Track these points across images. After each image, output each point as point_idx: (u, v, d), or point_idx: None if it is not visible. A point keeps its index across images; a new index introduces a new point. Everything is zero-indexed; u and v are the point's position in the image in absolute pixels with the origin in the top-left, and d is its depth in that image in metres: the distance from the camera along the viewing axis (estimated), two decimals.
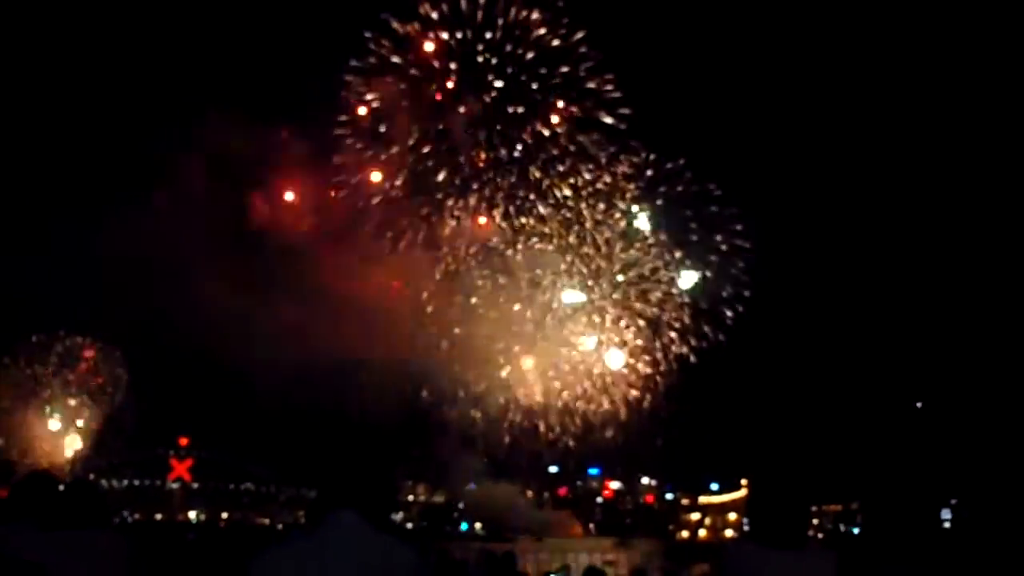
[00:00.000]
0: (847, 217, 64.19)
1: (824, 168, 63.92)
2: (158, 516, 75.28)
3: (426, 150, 58.51)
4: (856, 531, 71.90)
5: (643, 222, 59.79)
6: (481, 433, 61.96)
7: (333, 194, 57.82)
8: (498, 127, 58.59)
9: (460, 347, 58.81)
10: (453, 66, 57.74)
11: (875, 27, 60.90)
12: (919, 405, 67.33)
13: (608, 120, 57.74)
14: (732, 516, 76.76)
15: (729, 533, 72.55)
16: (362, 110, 57.01)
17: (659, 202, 59.57)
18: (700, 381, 59.51)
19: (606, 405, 60.68)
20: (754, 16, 61.82)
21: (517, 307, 59.23)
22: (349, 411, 55.51)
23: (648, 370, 60.33)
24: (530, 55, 57.27)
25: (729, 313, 59.13)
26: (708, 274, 59.33)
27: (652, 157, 58.71)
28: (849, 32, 61.01)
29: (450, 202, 59.18)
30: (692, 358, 59.33)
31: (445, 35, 57.09)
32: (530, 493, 76.74)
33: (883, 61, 61.98)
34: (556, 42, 56.87)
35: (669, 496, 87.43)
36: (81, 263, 53.63)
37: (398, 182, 58.56)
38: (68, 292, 57.44)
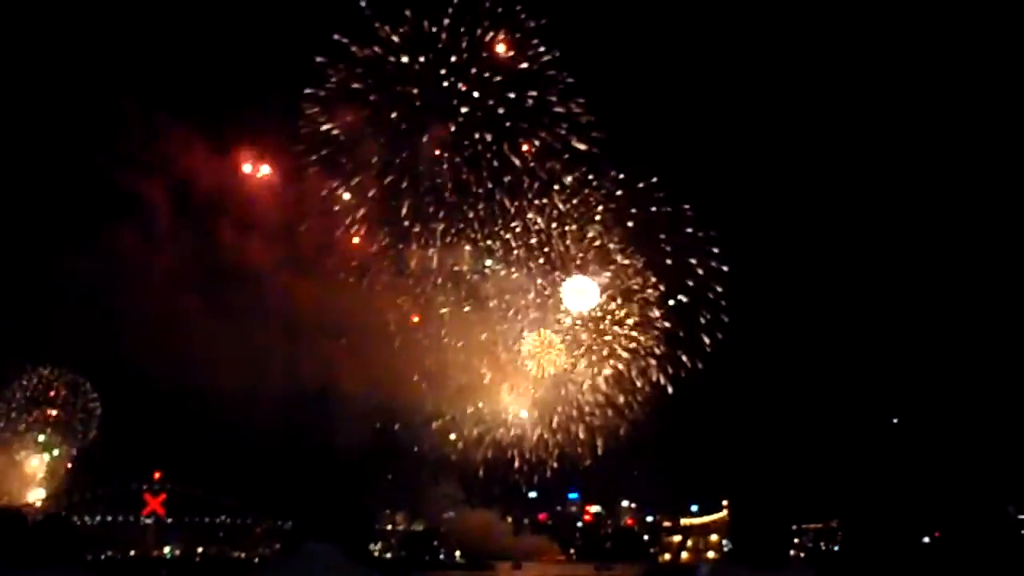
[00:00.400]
0: (821, 239, 64.84)
1: (798, 191, 64.50)
2: (132, 552, 73.94)
3: (390, 179, 58.38)
4: (836, 548, 72.01)
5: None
6: (457, 461, 61.77)
7: (299, 225, 57.52)
8: (465, 154, 58.54)
9: (432, 375, 58.54)
10: (416, 91, 57.36)
11: (845, 51, 61.73)
12: (895, 421, 67.76)
13: (580, 146, 57.86)
14: (714, 537, 76.59)
15: (711, 555, 72.30)
16: (322, 137, 56.49)
17: (630, 224, 59.57)
18: (678, 404, 59.73)
19: (582, 434, 60.70)
20: (727, 36, 62.57)
21: (485, 336, 59.08)
22: (322, 442, 55.20)
23: (624, 397, 60.42)
24: (497, 79, 57.07)
25: (707, 340, 59.14)
26: (683, 299, 59.45)
27: (623, 177, 58.75)
28: (821, 56, 61.67)
29: (416, 230, 59.04)
30: (669, 388, 59.45)
31: (406, 59, 56.59)
32: (509, 519, 76.43)
33: (853, 86, 62.90)
34: (524, 65, 56.75)
35: (649, 519, 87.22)
36: (45, 296, 53.19)
37: (360, 213, 58.25)
38: (33, 326, 56.83)
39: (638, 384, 59.92)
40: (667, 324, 59.53)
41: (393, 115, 57.25)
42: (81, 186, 55.33)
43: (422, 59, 56.57)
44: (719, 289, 58.80)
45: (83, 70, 54.16)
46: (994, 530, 59.48)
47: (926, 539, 65.06)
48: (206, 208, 55.62)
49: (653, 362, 59.75)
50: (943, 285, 60.29)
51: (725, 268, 58.58)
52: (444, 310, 58.78)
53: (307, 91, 55.44)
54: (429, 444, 60.71)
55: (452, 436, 60.40)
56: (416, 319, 58.84)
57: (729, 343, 58.80)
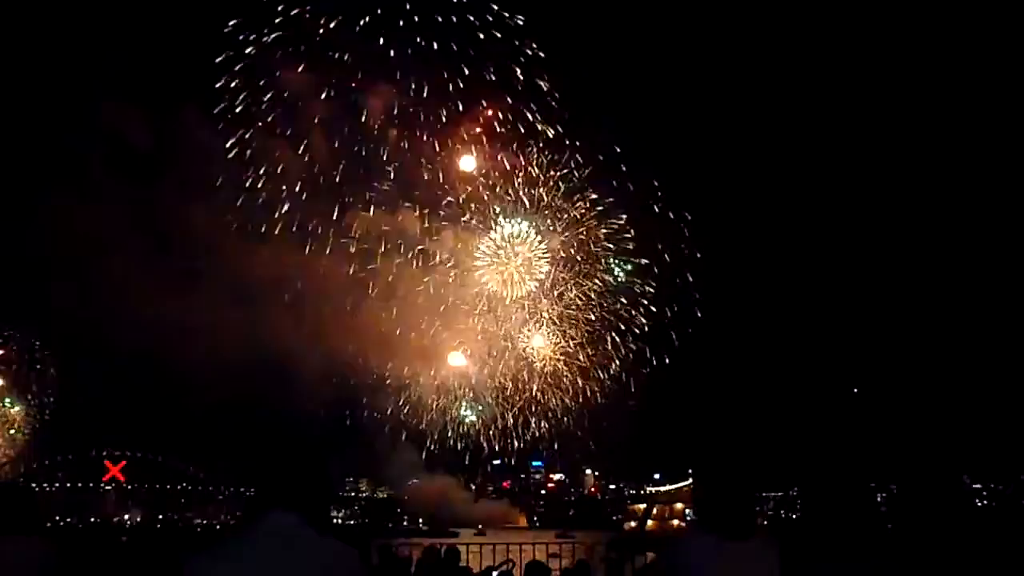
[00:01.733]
0: (782, 212, 65.38)
1: (760, 167, 64.90)
2: (92, 519, 73.47)
3: (335, 142, 57.50)
4: (795, 517, 73.22)
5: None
6: (416, 427, 61.81)
7: (247, 185, 56.58)
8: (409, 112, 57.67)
9: (386, 339, 58.15)
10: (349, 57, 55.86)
11: (820, 33, 61.85)
12: (856, 391, 68.80)
13: (548, 130, 57.35)
14: (678, 506, 77.53)
15: (675, 523, 73.18)
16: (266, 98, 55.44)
17: (593, 196, 59.42)
18: (642, 373, 60.13)
19: (548, 398, 61.01)
20: (700, 17, 62.42)
21: (442, 292, 58.66)
22: (280, 408, 55.02)
23: (587, 366, 60.72)
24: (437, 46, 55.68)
25: (673, 335, 59.26)
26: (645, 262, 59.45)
27: (577, 145, 58.37)
28: (791, 38, 61.78)
29: (364, 194, 58.23)
30: (631, 357, 59.77)
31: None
32: (472, 487, 76.84)
33: (833, 83, 63.15)
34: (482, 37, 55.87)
35: (612, 487, 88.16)
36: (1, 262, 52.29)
37: (303, 175, 57.26)
38: None
39: (600, 354, 60.30)
40: (624, 298, 59.68)
41: (334, 79, 56.17)
42: (24, 150, 54.30)
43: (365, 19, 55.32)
44: (689, 279, 58.89)
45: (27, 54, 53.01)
46: (948, 498, 60.82)
47: (881, 506, 66.34)
48: (149, 170, 54.67)
49: (616, 336, 60.05)
50: (902, 255, 61.22)
51: (697, 254, 58.35)
52: (391, 273, 58.21)
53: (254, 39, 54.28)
54: (387, 409, 60.67)
55: (409, 400, 60.44)
56: (371, 285, 58.11)
57: (693, 314, 59.25)
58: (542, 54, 55.77)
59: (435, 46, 55.50)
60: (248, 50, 54.09)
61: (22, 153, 54.36)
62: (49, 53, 54.12)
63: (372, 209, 58.05)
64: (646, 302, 59.44)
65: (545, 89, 56.47)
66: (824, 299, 64.28)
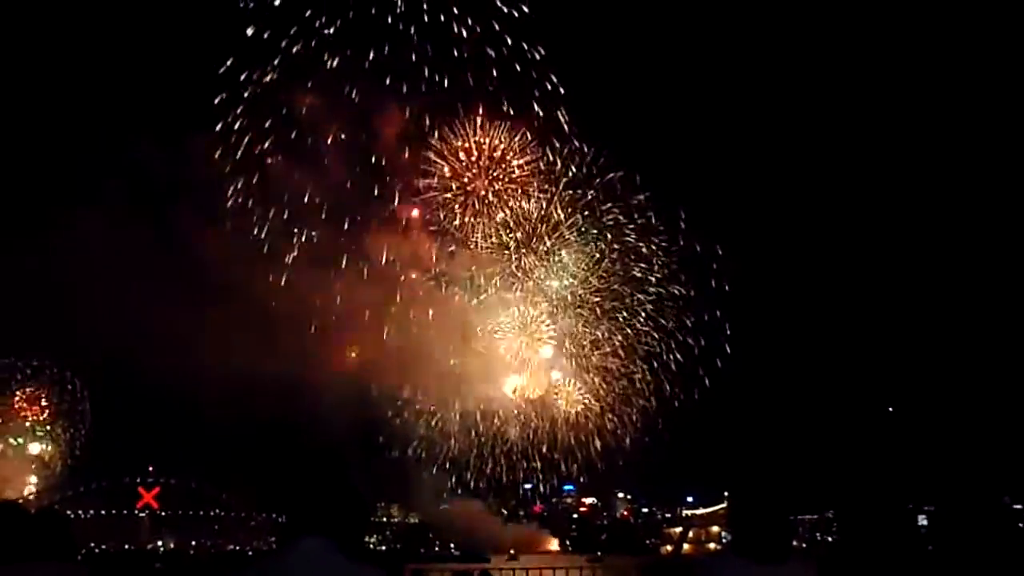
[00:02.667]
0: (817, 231, 65.03)
1: (793, 182, 64.56)
2: (127, 545, 73.89)
3: (351, 166, 57.16)
4: (831, 540, 72.13)
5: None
6: (446, 452, 61.64)
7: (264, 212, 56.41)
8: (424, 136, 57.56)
9: (410, 362, 57.90)
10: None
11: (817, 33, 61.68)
12: (891, 410, 67.80)
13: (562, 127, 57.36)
14: (715, 529, 76.67)
15: (712, 546, 72.35)
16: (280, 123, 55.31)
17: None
18: (675, 397, 59.69)
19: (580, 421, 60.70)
20: (706, 25, 62.42)
21: (462, 321, 58.55)
22: (312, 433, 55.06)
23: (620, 390, 60.37)
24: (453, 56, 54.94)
25: (702, 339, 58.74)
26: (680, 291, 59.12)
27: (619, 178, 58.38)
28: (795, 40, 61.59)
29: (379, 215, 58.12)
30: (666, 385, 59.24)
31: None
32: (504, 511, 76.41)
33: (831, 70, 62.88)
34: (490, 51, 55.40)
35: (645, 511, 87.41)
36: (25, 291, 52.85)
37: (318, 200, 57.19)
38: (18, 320, 56.63)
39: (637, 375, 59.96)
40: (660, 319, 59.38)
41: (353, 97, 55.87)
42: (42, 178, 55.05)
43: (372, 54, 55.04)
44: (717, 284, 58.46)
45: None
46: (989, 519, 59.65)
47: (922, 527, 65.25)
48: (166, 198, 55.05)
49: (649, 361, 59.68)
50: (938, 275, 60.51)
51: (725, 284, 57.93)
52: (416, 296, 58.10)
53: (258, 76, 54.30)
54: (413, 433, 60.60)
55: (436, 424, 60.34)
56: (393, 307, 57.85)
57: (726, 336, 58.79)
58: (562, 90, 55.97)
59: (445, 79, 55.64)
60: (257, 76, 54.08)
61: (44, 183, 55.10)
62: (63, 81, 54.73)
63: (390, 232, 58.19)
64: (679, 329, 59.13)
65: (565, 125, 56.67)
66: (857, 317, 63.67)
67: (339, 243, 57.40)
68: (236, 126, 54.53)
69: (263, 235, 56.12)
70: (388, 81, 54.85)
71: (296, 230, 56.84)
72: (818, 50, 60.38)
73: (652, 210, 58.08)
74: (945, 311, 60.75)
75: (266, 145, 55.40)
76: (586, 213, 59.19)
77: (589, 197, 58.84)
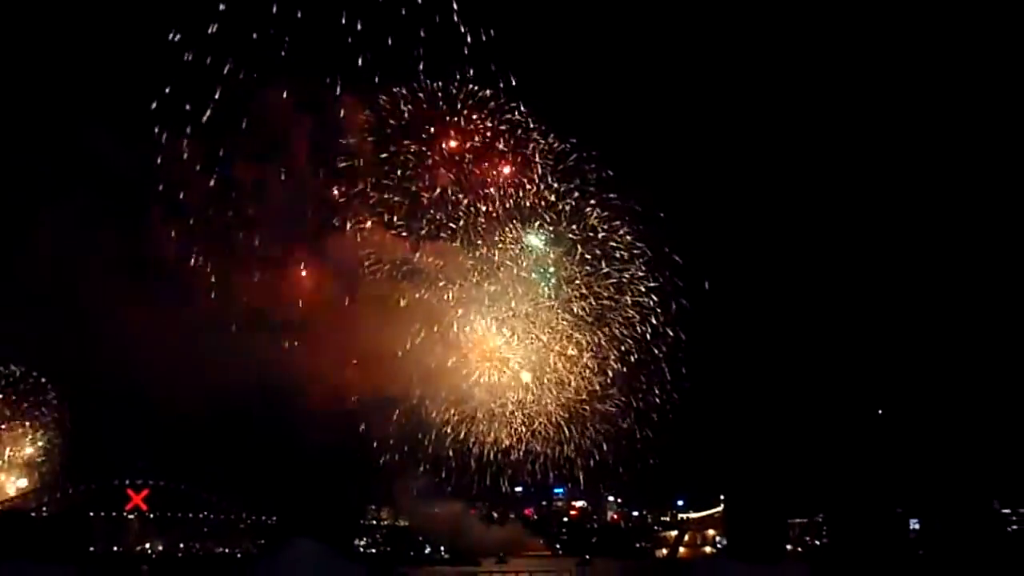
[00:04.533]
0: (804, 229, 64.97)
1: (779, 179, 64.60)
2: (115, 548, 73.54)
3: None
4: (819, 543, 72.21)
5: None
6: (426, 452, 61.42)
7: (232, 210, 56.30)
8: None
9: (392, 361, 57.55)
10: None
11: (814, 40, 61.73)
12: (880, 412, 67.89)
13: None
14: (710, 532, 76.63)
15: (708, 550, 72.28)
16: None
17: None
18: (667, 399, 59.70)
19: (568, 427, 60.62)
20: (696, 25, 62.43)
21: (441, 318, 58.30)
22: (290, 434, 54.82)
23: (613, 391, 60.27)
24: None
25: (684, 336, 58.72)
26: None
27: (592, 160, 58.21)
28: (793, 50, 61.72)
29: (344, 214, 57.94)
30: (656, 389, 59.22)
31: None
32: (494, 514, 76.27)
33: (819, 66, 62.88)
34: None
35: (635, 514, 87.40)
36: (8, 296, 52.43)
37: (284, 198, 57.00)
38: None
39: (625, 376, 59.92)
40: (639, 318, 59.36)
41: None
42: (19, 183, 54.69)
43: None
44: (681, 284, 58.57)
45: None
46: (979, 523, 59.83)
47: (912, 530, 65.35)
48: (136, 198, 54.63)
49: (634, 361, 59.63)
50: (927, 275, 60.64)
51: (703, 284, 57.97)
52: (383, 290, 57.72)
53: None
54: (394, 435, 60.37)
55: (413, 423, 60.13)
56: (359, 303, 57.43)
57: (712, 338, 58.88)
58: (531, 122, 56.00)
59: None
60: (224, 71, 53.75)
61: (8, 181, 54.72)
62: (27, 75, 54.10)
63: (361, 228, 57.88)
64: (666, 326, 59.12)
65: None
66: (848, 318, 63.74)
67: (302, 242, 57.33)
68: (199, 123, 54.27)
69: (228, 233, 55.92)
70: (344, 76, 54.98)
71: (264, 227, 56.58)
72: (809, 46, 60.41)
73: (637, 206, 58.32)
74: (936, 312, 60.91)
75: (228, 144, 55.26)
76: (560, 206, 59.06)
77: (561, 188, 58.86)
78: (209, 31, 52.33)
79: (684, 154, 62.11)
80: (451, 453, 61.14)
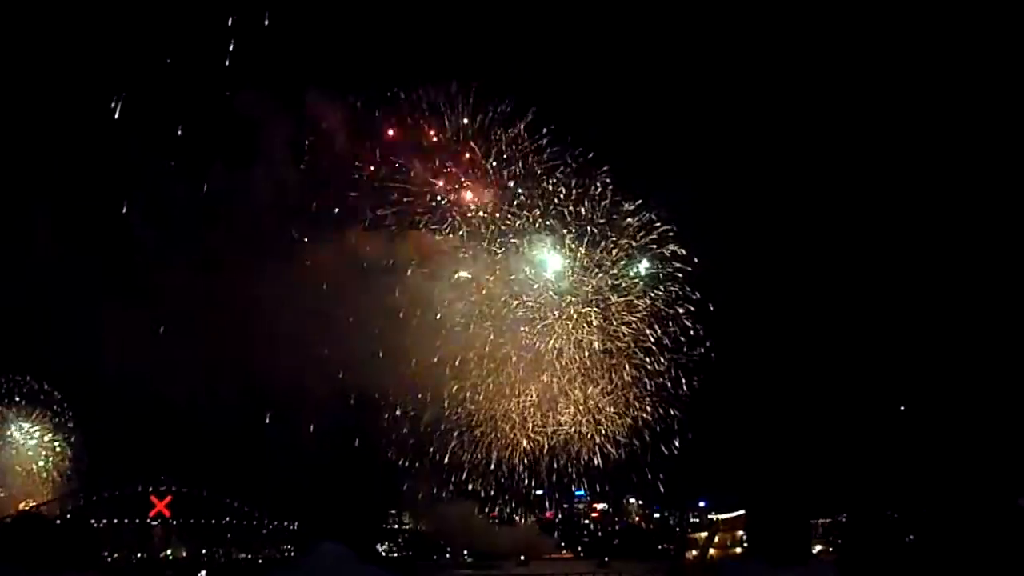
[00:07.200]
0: (826, 227, 64.53)
1: (798, 177, 64.19)
2: (139, 554, 74.04)
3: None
4: (841, 543, 71.53)
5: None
6: (444, 456, 61.46)
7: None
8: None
9: (388, 363, 57.46)
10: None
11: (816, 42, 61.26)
12: (902, 409, 67.28)
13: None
14: (739, 533, 76.19)
15: (738, 551, 71.85)
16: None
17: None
18: (688, 399, 59.60)
19: (589, 429, 60.56)
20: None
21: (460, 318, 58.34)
22: (316, 441, 54.93)
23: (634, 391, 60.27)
24: None
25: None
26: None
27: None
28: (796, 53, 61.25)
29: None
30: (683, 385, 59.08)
31: None
32: (516, 517, 76.21)
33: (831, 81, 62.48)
34: None
35: (656, 515, 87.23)
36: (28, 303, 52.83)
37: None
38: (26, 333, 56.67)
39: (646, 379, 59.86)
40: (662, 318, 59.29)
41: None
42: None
43: None
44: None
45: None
46: (1004, 521, 59.18)
47: (931, 528, 64.66)
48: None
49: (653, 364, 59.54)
50: (950, 272, 60.07)
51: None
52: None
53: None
54: (401, 435, 60.42)
55: (423, 425, 60.18)
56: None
57: (734, 336, 58.72)
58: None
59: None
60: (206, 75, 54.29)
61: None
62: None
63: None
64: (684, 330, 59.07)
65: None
66: (869, 314, 63.24)
67: (292, 243, 57.49)
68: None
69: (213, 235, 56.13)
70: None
71: (244, 230, 56.75)
72: (808, 46, 60.06)
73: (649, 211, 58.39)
74: (960, 308, 60.35)
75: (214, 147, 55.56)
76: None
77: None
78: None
79: (694, 156, 61.72)
80: (470, 456, 61.21)
